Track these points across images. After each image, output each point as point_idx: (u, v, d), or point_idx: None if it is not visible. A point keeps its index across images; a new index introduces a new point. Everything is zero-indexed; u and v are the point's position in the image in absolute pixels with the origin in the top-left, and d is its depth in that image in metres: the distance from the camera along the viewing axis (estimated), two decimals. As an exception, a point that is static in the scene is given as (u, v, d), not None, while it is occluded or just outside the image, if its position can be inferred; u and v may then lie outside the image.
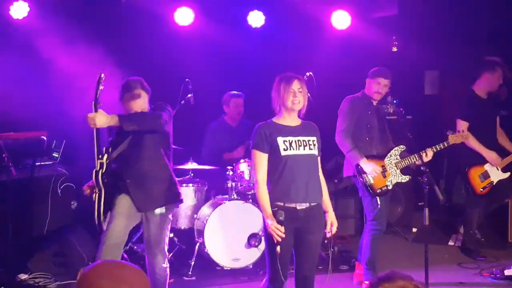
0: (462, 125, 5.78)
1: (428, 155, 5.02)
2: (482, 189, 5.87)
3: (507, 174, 5.89)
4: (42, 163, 5.54)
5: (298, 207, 3.82)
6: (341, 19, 7.12)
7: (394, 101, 6.91)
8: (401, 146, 5.19)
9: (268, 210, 3.77)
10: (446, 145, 5.15)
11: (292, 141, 3.87)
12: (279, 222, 3.68)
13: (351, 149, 5.02)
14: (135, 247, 5.88)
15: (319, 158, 4.01)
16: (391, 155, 5.15)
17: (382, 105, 5.34)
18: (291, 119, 3.93)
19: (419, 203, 6.33)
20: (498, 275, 5.46)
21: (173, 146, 5.80)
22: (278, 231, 3.67)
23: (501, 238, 6.55)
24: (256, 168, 3.86)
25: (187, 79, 5.68)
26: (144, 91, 4.38)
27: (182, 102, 5.70)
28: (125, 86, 4.37)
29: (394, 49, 7.61)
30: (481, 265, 5.84)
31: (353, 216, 7.06)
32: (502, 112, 6.37)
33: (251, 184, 5.76)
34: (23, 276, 5.18)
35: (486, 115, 5.93)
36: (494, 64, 5.96)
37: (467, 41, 7.18)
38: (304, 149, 3.88)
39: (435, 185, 4.62)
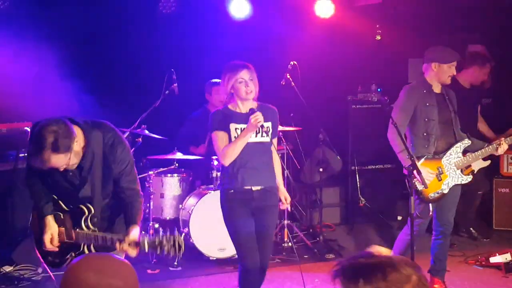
0: None
1: (502, 147, 4.62)
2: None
3: (488, 162, 5.67)
4: (25, 154, 5.46)
5: (253, 188, 3.93)
6: (324, 8, 7.07)
7: (378, 90, 6.93)
8: (465, 141, 4.69)
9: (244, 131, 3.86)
10: None
11: (244, 128, 3.90)
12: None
13: (401, 151, 4.47)
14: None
15: (274, 141, 4.06)
16: (451, 154, 4.67)
17: (449, 90, 4.78)
18: (244, 106, 3.96)
19: (404, 191, 6.24)
20: (483, 263, 5.52)
21: (158, 136, 5.85)
22: (258, 117, 3.77)
23: (487, 225, 6.62)
24: (220, 147, 3.92)
25: (171, 69, 5.65)
26: (56, 152, 3.08)
27: (167, 92, 5.66)
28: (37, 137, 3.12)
29: (378, 37, 7.62)
30: (466, 253, 5.87)
31: (338, 205, 7.10)
32: (484, 101, 6.40)
33: None
34: (8, 268, 5.12)
35: (467, 105, 5.83)
36: (485, 60, 5.96)
37: (449, 29, 7.20)
38: (256, 136, 3.93)
39: (419, 173, 4.38)
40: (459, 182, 4.70)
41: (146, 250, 3.08)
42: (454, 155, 4.69)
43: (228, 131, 3.94)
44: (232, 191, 3.94)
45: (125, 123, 5.57)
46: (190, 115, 6.45)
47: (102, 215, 3.36)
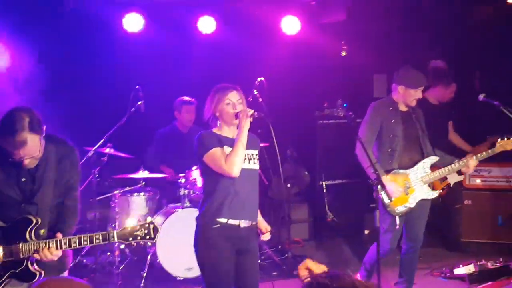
0: None
1: (469, 166, 4.70)
2: (441, 191, 5.73)
3: (462, 177, 5.69)
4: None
5: (241, 224, 3.62)
6: (290, 25, 7.14)
7: (344, 105, 6.94)
8: (433, 157, 4.79)
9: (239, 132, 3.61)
10: (491, 153, 4.75)
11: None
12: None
13: (368, 166, 4.53)
14: (84, 261, 5.76)
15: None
16: (418, 168, 4.75)
17: (416, 109, 4.91)
18: (230, 130, 3.72)
19: (371, 205, 6.37)
20: (448, 274, 5.56)
21: (124, 155, 5.81)
22: (247, 111, 3.60)
23: (452, 237, 6.67)
24: (222, 161, 3.55)
25: (137, 86, 5.62)
26: (33, 132, 3.05)
27: (132, 109, 5.64)
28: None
29: (344, 53, 7.69)
30: (432, 265, 5.92)
31: (307, 221, 7.09)
32: (453, 113, 6.44)
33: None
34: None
35: (437, 121, 5.89)
36: (450, 79, 6.01)
37: (411, 46, 7.30)
38: (249, 163, 3.68)
39: (385, 187, 4.47)
40: (425, 197, 4.75)
41: (116, 239, 3.10)
42: (421, 170, 4.76)
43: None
44: (218, 225, 3.57)
45: (90, 142, 5.54)
46: (158, 132, 6.40)
47: (48, 226, 3.25)
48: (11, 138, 2.98)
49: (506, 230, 6.44)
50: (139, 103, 5.63)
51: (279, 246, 6.52)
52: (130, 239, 3.12)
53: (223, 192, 3.59)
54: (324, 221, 6.94)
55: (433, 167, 4.82)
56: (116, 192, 5.76)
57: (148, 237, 3.13)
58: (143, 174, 5.80)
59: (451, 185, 5.63)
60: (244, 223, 3.61)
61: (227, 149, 3.62)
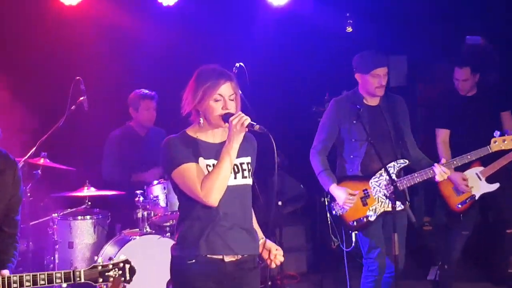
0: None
1: (443, 173, 4.94)
2: (459, 205, 5.90)
3: (495, 186, 5.89)
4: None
5: (226, 259, 3.55)
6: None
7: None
8: (400, 161, 5.08)
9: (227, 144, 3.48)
10: (480, 155, 5.11)
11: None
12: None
13: (321, 171, 5.07)
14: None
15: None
16: (381, 174, 5.03)
17: (393, 100, 5.25)
18: (213, 134, 3.62)
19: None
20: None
21: (63, 167, 5.88)
22: (241, 116, 3.46)
23: (500, 269, 6.76)
24: (195, 182, 3.47)
25: (78, 77, 5.65)
26: None
27: (73, 107, 5.70)
28: None
29: (349, 29, 7.83)
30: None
31: (304, 248, 7.10)
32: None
33: (169, 213, 5.78)
34: None
35: (472, 113, 6.15)
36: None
37: (439, 19, 7.39)
38: (235, 177, 3.57)
39: (406, 202, 4.76)
40: (389, 209, 4.90)
41: (82, 280, 3.26)
42: (383, 177, 5.03)
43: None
44: (194, 261, 3.53)
45: (18, 151, 5.51)
46: (110, 134, 6.46)
47: None
48: None
49: None
50: (81, 98, 5.67)
51: (269, 283, 6.48)
52: (101, 280, 3.29)
53: (202, 216, 3.54)
54: (327, 248, 6.94)
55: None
56: (54, 215, 5.81)
57: (123, 279, 3.27)
58: (88, 191, 5.84)
59: (476, 198, 5.85)
60: (229, 257, 3.55)
61: (203, 161, 3.54)
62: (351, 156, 5.11)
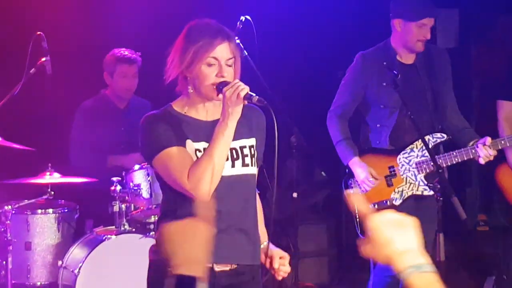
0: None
1: (490, 156, 4.87)
2: None
3: None
4: None
5: (216, 268, 3.52)
6: None
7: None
8: (437, 135, 5.04)
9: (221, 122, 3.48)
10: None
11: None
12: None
13: (340, 140, 5.09)
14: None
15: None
16: (412, 149, 5.05)
17: (426, 59, 5.18)
18: (205, 108, 3.59)
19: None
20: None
21: (19, 146, 5.83)
22: (237, 85, 3.40)
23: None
24: (182, 170, 3.44)
25: (39, 32, 5.51)
26: None
27: (32, 70, 5.59)
28: None
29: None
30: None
31: (325, 253, 7.07)
32: None
33: (153, 206, 5.68)
34: None
35: None
36: None
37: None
38: (233, 165, 3.56)
39: (453, 196, 4.55)
40: (419, 193, 4.99)
41: None
42: (416, 153, 5.02)
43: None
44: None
45: None
46: (80, 106, 6.41)
47: None
48: None
49: None
50: (42, 59, 5.57)
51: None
52: None
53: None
54: (355, 253, 6.65)
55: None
56: (7, 208, 5.63)
57: None
58: (51, 178, 5.72)
59: None
60: (221, 266, 3.55)
61: (191, 145, 3.54)
62: (378, 125, 5.14)
